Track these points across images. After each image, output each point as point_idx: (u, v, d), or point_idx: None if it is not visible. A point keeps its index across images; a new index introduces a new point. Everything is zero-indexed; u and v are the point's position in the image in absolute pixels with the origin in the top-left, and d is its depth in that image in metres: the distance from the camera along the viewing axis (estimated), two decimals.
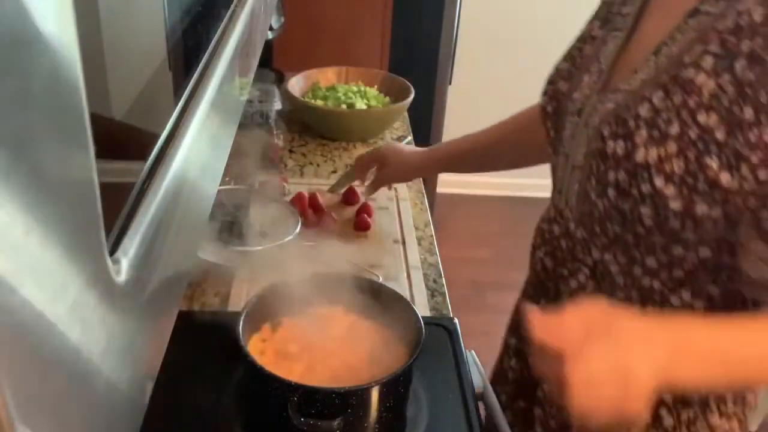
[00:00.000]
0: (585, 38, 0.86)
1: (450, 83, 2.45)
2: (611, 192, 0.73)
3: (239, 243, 1.19)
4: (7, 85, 0.19)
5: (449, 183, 2.97)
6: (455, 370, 0.97)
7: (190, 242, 0.44)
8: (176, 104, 0.43)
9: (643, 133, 0.70)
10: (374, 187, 1.33)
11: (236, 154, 1.54)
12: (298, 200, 1.35)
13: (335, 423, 0.77)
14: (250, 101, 1.70)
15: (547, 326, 0.65)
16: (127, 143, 0.37)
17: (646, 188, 0.69)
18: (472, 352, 1.03)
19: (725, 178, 0.65)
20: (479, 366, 1.00)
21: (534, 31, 3.11)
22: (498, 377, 1.05)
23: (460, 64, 2.53)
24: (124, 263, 0.29)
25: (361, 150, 1.69)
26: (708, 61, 0.67)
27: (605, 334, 0.63)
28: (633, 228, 0.74)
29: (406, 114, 1.85)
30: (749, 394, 0.85)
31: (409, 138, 1.76)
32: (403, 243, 1.32)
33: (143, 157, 0.36)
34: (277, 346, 0.91)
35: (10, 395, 0.19)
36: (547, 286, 0.91)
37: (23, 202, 0.20)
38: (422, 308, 1.14)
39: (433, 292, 1.20)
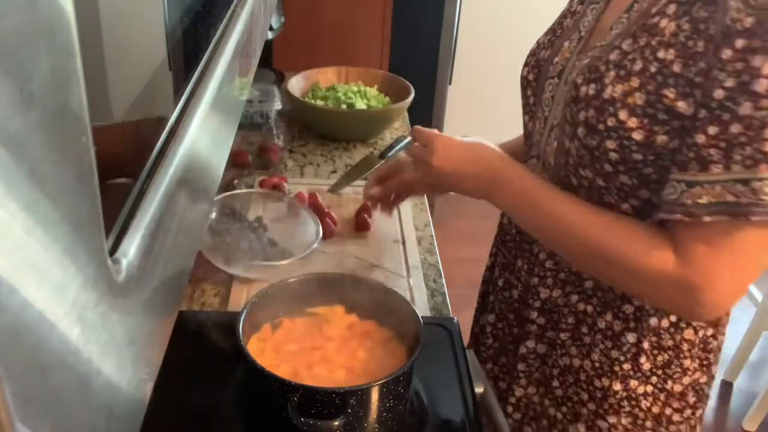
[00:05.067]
0: (565, 14, 0.97)
1: (450, 83, 2.45)
2: (581, 131, 0.81)
3: (264, 258, 1.18)
4: (7, 85, 0.19)
5: None
6: (455, 370, 0.97)
7: (190, 242, 0.44)
8: (176, 104, 0.43)
9: (612, 73, 0.78)
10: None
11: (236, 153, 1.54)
12: (298, 200, 1.35)
13: (335, 423, 0.77)
14: (250, 101, 1.70)
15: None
16: (127, 143, 0.37)
17: (611, 121, 0.77)
18: (472, 352, 1.03)
19: (681, 105, 0.72)
20: (479, 366, 1.00)
21: (534, 31, 3.10)
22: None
23: (460, 64, 2.53)
24: (124, 263, 0.29)
25: (361, 150, 1.69)
26: (671, 8, 0.75)
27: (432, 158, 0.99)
28: (602, 167, 0.80)
29: (406, 114, 1.85)
30: (714, 341, 0.92)
31: (409, 138, 1.76)
32: (403, 243, 1.32)
33: (143, 157, 0.36)
34: (277, 346, 0.91)
35: (10, 395, 0.19)
36: (533, 251, 0.99)
37: (23, 202, 0.20)
38: (422, 308, 1.14)
39: (433, 292, 1.20)
